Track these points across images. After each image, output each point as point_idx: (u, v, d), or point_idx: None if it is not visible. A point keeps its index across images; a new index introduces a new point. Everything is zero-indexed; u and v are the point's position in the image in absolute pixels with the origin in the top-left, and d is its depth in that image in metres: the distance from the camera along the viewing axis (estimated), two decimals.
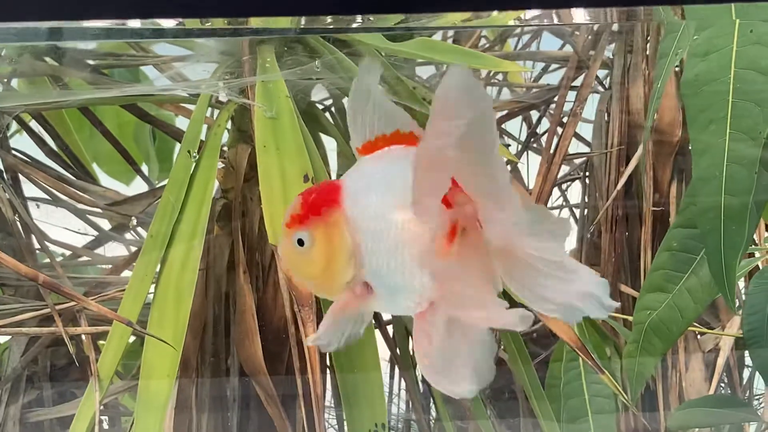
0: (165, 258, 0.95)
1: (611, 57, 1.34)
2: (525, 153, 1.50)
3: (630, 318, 1.17)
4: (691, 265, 0.89)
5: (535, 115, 1.52)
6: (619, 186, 1.26)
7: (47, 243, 1.15)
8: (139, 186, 1.46)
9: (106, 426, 1.20)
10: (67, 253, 1.26)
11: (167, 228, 0.95)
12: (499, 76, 1.55)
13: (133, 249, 1.27)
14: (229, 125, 1.06)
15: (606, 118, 1.35)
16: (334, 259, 0.63)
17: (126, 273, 1.15)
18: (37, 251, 1.15)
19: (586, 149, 1.44)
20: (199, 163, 0.97)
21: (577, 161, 1.47)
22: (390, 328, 1.18)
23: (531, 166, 1.50)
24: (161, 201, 0.97)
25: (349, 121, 0.64)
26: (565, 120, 1.33)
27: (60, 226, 1.23)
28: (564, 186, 1.52)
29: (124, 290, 0.98)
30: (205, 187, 0.96)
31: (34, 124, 1.26)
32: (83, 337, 1.04)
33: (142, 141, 1.58)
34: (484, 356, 0.63)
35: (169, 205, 0.96)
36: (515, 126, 1.59)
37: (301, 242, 0.62)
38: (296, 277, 0.64)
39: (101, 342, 1.15)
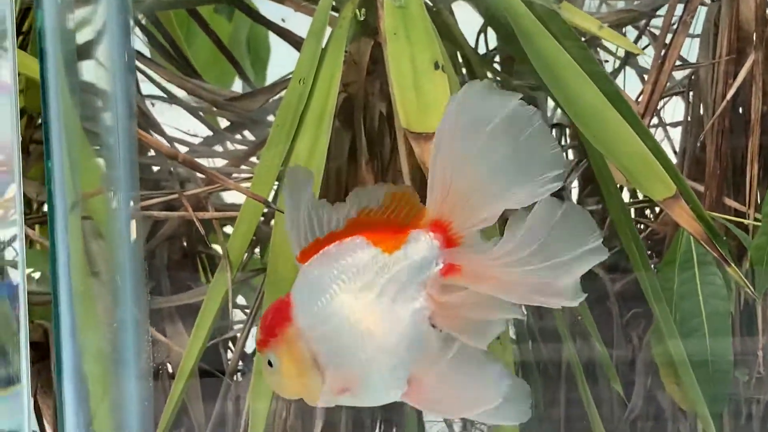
0: (292, 147, 0.96)
1: None
2: (623, 69, 1.49)
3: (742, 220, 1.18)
4: None
5: (631, 33, 1.51)
6: (729, 95, 1.25)
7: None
8: None
9: None
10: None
11: (294, 117, 0.96)
12: None
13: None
14: None
15: (714, 31, 1.33)
16: (302, 373, 0.66)
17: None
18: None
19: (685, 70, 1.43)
20: (325, 55, 0.98)
21: (678, 77, 1.45)
22: None
23: (627, 81, 1.50)
24: (287, 91, 0.99)
25: (287, 228, 0.67)
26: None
27: (171, 126, 1.25)
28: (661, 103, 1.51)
29: (250, 178, 1.00)
30: (332, 76, 0.97)
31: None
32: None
33: (237, 51, 1.59)
34: (488, 380, 0.68)
35: (295, 95, 0.97)
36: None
37: (271, 363, 0.67)
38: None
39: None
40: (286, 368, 0.65)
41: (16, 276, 1.07)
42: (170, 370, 1.15)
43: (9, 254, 1.15)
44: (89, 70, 0.75)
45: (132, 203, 0.85)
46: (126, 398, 0.77)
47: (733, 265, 0.90)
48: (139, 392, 0.77)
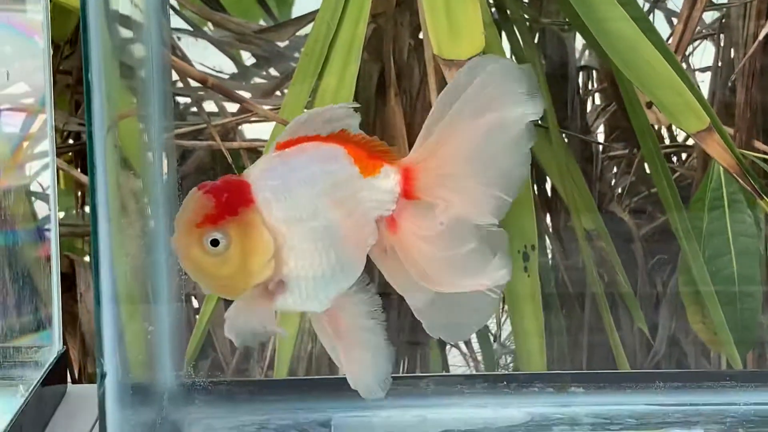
0: (320, 78, 0.96)
1: None
2: (651, 13, 1.47)
3: None
4: None
5: None
6: (762, 35, 1.23)
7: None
8: None
9: None
10: None
11: (323, 46, 0.96)
12: None
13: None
14: None
15: None
16: (252, 260, 0.62)
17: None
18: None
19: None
20: None
21: (708, 20, 1.44)
22: None
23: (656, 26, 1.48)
24: (315, 21, 0.98)
25: (295, 120, 0.65)
26: None
27: (197, 62, 1.24)
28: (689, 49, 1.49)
29: (278, 110, 0.99)
30: (361, 5, 0.96)
31: None
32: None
33: None
34: (379, 358, 0.67)
35: (324, 24, 0.96)
36: None
37: (214, 243, 0.61)
38: (200, 279, 0.63)
39: None
40: (234, 252, 0.61)
41: (42, 209, 1.08)
42: (195, 304, 1.15)
43: (34, 187, 1.15)
44: (123, 2, 0.74)
45: (165, 134, 0.85)
46: (158, 323, 0.77)
47: (765, 197, 0.90)
48: (170, 316, 0.77)
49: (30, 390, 0.69)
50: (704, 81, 1.44)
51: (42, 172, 1.20)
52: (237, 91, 1.15)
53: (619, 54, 0.93)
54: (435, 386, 0.75)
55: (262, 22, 1.52)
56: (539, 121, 1.20)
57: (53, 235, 0.81)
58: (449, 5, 0.89)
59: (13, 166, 0.95)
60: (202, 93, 1.08)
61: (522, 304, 0.94)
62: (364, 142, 0.66)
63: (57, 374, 0.74)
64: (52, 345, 0.77)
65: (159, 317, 0.76)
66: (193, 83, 1.25)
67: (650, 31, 0.95)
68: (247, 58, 1.32)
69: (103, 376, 0.56)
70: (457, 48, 0.87)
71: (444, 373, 0.89)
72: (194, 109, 1.18)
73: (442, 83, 0.96)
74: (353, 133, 0.66)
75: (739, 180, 0.91)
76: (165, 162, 0.86)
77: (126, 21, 0.77)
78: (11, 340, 0.77)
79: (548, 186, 1.26)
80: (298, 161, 0.64)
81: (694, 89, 0.98)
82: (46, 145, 1.02)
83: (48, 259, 0.86)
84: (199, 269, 0.62)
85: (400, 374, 1.04)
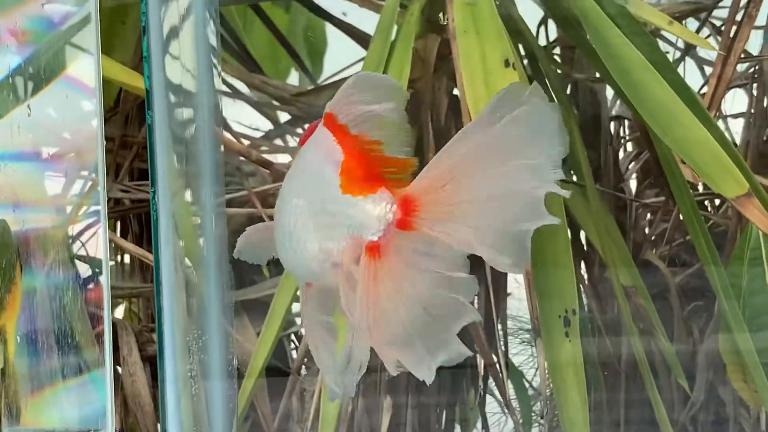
0: None
1: None
2: (682, 61, 1.47)
3: None
4: None
5: (692, 23, 1.49)
6: None
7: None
8: None
9: None
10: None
11: None
12: None
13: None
14: None
15: None
16: None
17: None
18: None
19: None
20: (393, 51, 0.98)
21: (740, 69, 1.44)
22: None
23: (687, 73, 1.48)
24: None
25: (343, 88, 0.64)
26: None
27: (234, 120, 1.25)
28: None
29: None
30: (401, 71, 0.97)
31: None
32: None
33: (294, 43, 1.59)
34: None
35: None
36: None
37: None
38: None
39: None
40: None
41: (82, 268, 1.09)
42: (235, 363, 1.16)
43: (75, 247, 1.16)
44: (175, 70, 0.76)
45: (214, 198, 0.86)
46: (211, 402, 0.77)
47: None
48: (222, 395, 0.78)
49: None
50: (736, 131, 1.44)
51: (85, 232, 1.22)
52: (276, 153, 1.16)
53: (656, 120, 0.94)
54: None
55: (293, 73, 1.54)
56: (575, 177, 1.21)
57: (106, 320, 0.82)
58: (488, 77, 0.90)
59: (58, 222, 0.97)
60: (242, 159, 1.10)
61: (564, 371, 0.93)
62: (376, 158, 0.63)
63: None
64: (105, 429, 0.78)
65: (212, 395, 0.77)
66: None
67: (687, 96, 0.95)
68: (283, 114, 1.34)
69: None
70: None
71: None
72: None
73: None
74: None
75: None
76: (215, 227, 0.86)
77: (177, 89, 0.78)
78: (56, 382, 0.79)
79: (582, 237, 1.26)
80: (307, 152, 0.66)
81: (732, 152, 0.98)
82: (86, 207, 1.03)
83: (90, 315, 0.87)
84: None
85: None
